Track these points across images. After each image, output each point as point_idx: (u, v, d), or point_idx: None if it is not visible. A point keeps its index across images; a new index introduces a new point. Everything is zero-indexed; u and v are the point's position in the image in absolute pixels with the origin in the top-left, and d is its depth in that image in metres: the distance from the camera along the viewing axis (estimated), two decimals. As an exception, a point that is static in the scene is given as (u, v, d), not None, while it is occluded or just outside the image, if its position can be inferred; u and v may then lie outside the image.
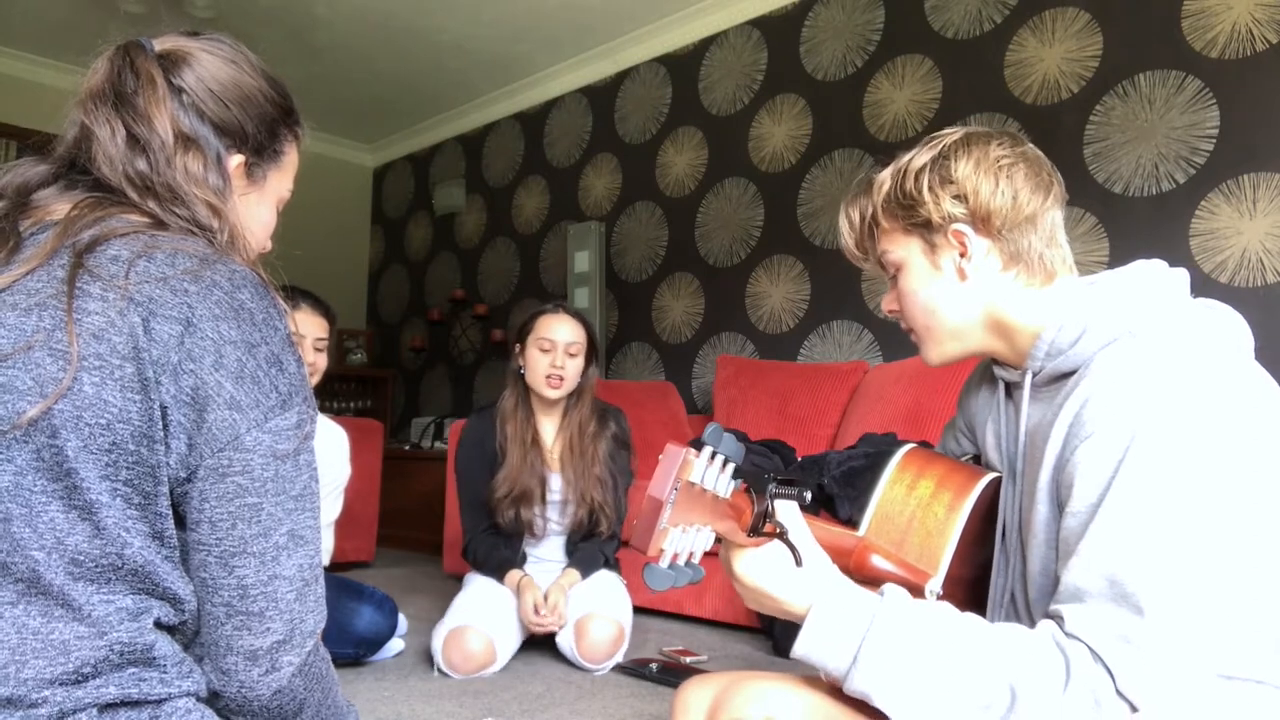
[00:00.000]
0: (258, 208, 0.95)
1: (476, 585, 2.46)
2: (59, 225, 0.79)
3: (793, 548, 0.83)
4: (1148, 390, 0.81)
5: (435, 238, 5.81)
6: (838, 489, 1.93)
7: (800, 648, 0.84)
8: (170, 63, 0.87)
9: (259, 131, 0.91)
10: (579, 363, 2.46)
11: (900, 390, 3.00)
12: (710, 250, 4.18)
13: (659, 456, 0.71)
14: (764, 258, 3.95)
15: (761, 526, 0.81)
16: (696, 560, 0.77)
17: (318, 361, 2.28)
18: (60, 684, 0.72)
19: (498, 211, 5.36)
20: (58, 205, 0.83)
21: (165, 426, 0.75)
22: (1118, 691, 0.75)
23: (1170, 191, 2.81)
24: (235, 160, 0.90)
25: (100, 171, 0.83)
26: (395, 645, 2.46)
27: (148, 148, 0.83)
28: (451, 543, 3.68)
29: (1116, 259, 2.88)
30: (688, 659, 2.45)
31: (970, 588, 1.02)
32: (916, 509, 0.98)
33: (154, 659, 0.76)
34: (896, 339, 3.45)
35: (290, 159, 0.98)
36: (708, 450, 0.74)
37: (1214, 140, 2.72)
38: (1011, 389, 1.03)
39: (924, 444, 1.16)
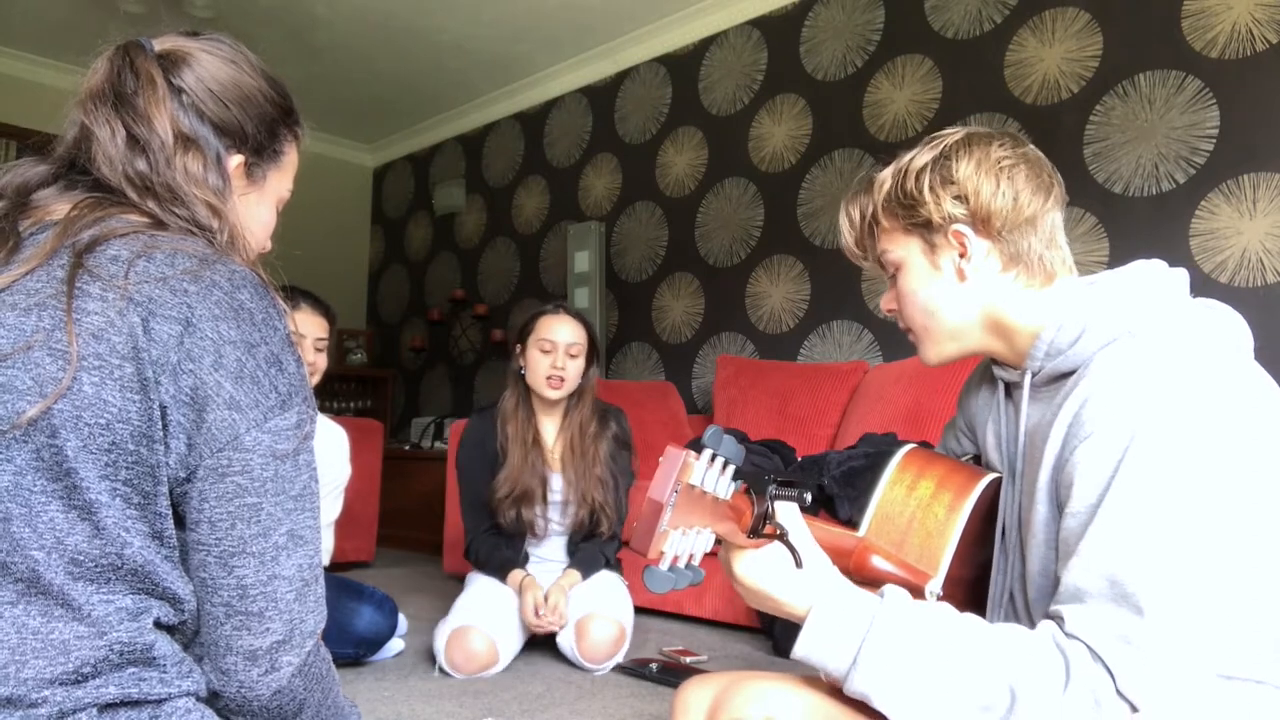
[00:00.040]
0: (257, 208, 0.95)
1: (479, 585, 2.46)
2: (59, 225, 0.79)
3: (793, 549, 0.83)
4: (1147, 390, 0.81)
5: (435, 238, 5.81)
6: (838, 489, 1.93)
7: (800, 649, 0.84)
8: (170, 63, 0.87)
9: (259, 131, 0.91)
10: (580, 363, 2.46)
11: (900, 390, 3.00)
12: (710, 250, 4.18)
13: (659, 459, 0.71)
14: (764, 258, 3.95)
15: (762, 528, 0.81)
16: (697, 562, 0.77)
17: (318, 361, 2.28)
18: (60, 684, 0.72)
19: (498, 211, 5.36)
20: (57, 205, 0.83)
21: (165, 426, 0.75)
22: (1118, 692, 0.75)
23: (1170, 191, 2.81)
24: (235, 160, 0.90)
25: (100, 172, 0.83)
26: (395, 645, 2.46)
27: (147, 148, 0.83)
28: (451, 543, 3.68)
29: (1116, 259, 2.87)
30: (688, 659, 2.45)
31: (970, 588, 1.02)
32: (917, 509, 0.98)
33: (154, 659, 0.76)
34: (896, 339, 3.45)
35: (290, 159, 0.98)
36: (708, 453, 0.74)
37: (1214, 140, 2.72)
38: (1011, 389, 1.03)
39: (924, 444, 1.16)
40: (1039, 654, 0.78)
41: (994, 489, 1.02)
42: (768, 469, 2.84)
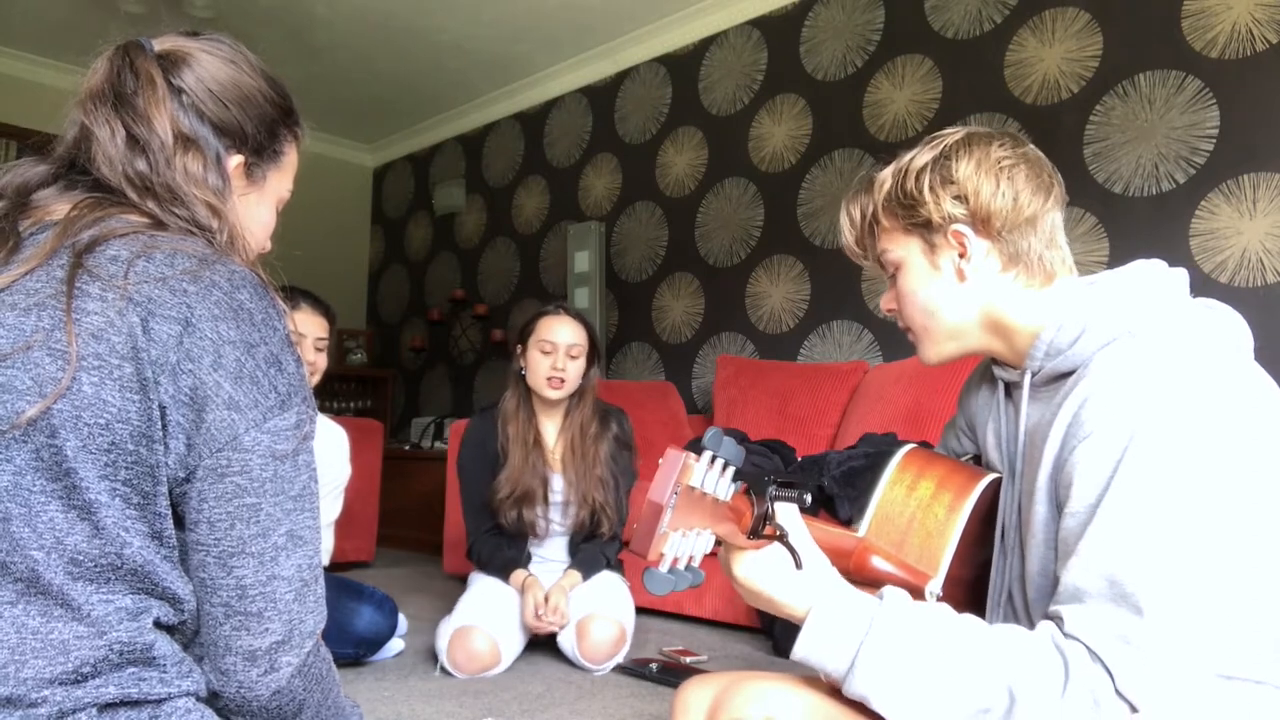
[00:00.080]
0: (257, 208, 0.95)
1: (482, 585, 2.46)
2: (58, 225, 0.79)
3: (793, 550, 0.83)
4: (1146, 390, 0.81)
5: (435, 238, 5.81)
6: (838, 489, 1.92)
7: (799, 650, 0.84)
8: (170, 63, 0.87)
9: (258, 132, 0.91)
10: (580, 364, 2.46)
11: (900, 390, 3.00)
12: (710, 250, 4.18)
13: (659, 461, 0.71)
14: (764, 258, 3.95)
15: (761, 529, 0.81)
16: (696, 564, 0.77)
17: (318, 361, 2.28)
18: (60, 683, 0.72)
19: (498, 211, 5.36)
20: (57, 205, 0.83)
21: (164, 426, 0.75)
22: (1117, 692, 0.75)
23: (1170, 191, 2.81)
24: (235, 160, 0.90)
25: (100, 172, 0.84)
26: (395, 645, 2.46)
27: (147, 148, 0.83)
28: (451, 542, 3.68)
29: (1116, 259, 2.87)
30: (688, 659, 2.45)
31: (970, 588, 1.02)
32: (917, 510, 0.98)
33: (153, 659, 0.76)
34: (896, 339, 3.45)
35: (290, 159, 0.98)
36: (708, 454, 0.74)
37: (1214, 140, 2.72)
38: (1011, 389, 1.03)
39: (924, 444, 1.16)
40: (1038, 655, 0.78)
41: (994, 489, 1.02)
42: (768, 469, 2.84)
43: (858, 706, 0.84)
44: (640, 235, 4.51)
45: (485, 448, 2.50)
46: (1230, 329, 0.90)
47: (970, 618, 0.83)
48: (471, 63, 4.84)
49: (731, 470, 0.77)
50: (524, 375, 2.48)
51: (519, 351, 2.50)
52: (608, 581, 2.48)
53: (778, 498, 0.82)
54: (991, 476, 1.02)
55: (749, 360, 3.78)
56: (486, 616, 2.32)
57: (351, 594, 2.33)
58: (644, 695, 2.13)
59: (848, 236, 1.10)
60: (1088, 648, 0.77)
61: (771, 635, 2.66)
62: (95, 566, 0.74)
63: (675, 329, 4.32)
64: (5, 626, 0.72)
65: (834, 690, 0.86)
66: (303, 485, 0.81)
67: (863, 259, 1.10)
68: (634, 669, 2.33)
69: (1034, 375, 0.97)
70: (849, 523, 1.02)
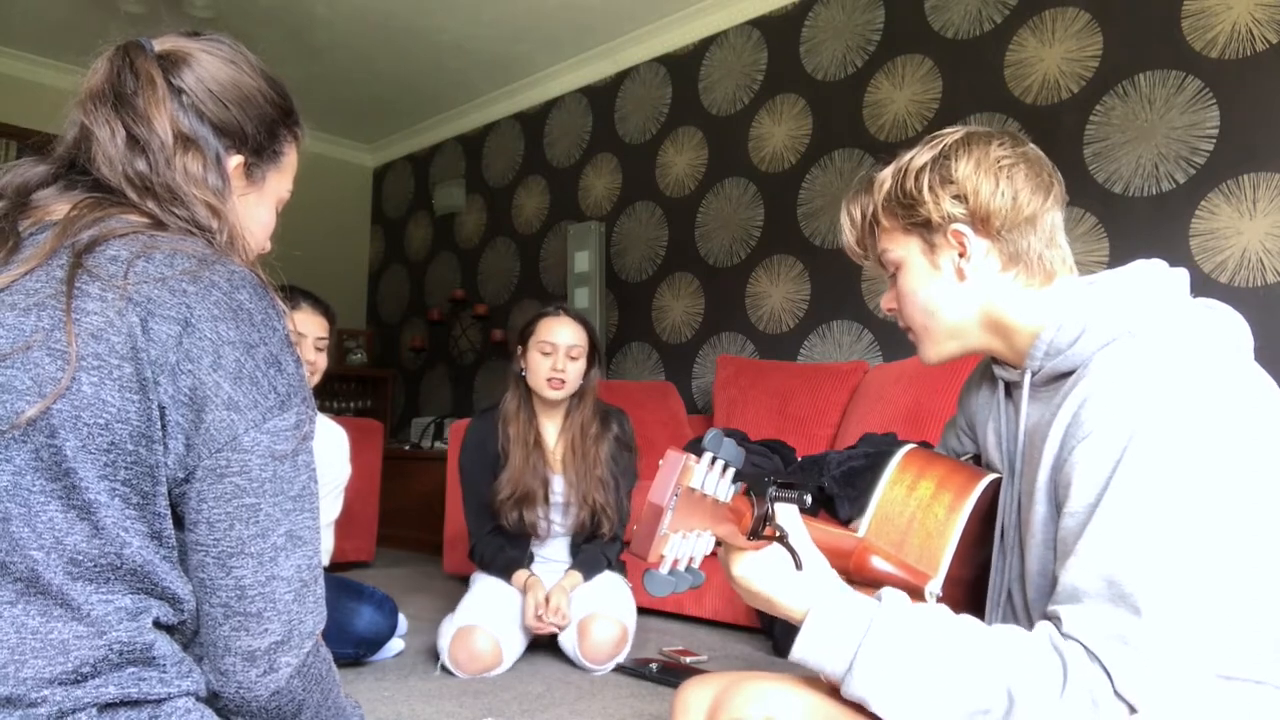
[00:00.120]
0: (257, 208, 0.95)
1: (484, 585, 2.46)
2: (58, 225, 0.79)
3: (793, 551, 0.83)
4: (1146, 390, 0.81)
5: (435, 238, 5.81)
6: (838, 489, 1.93)
7: (797, 651, 0.84)
8: (170, 63, 0.87)
9: (258, 132, 0.91)
10: (580, 365, 2.46)
11: (900, 390, 3.00)
12: (710, 250, 4.18)
13: (659, 462, 0.71)
14: (764, 258, 3.95)
15: (761, 530, 0.81)
16: (697, 565, 0.77)
17: (318, 361, 2.28)
18: (59, 683, 0.72)
19: (498, 211, 5.36)
20: (57, 205, 0.83)
21: (163, 427, 0.75)
22: (1115, 692, 0.75)
23: (1170, 191, 2.81)
24: (234, 161, 0.90)
25: (100, 172, 0.84)
26: (395, 645, 2.46)
27: (147, 148, 0.83)
28: (451, 543, 3.68)
29: (1116, 259, 2.87)
30: (688, 659, 2.45)
31: (970, 588, 1.02)
32: (917, 510, 0.98)
33: (153, 658, 0.76)
34: (896, 339, 3.45)
35: (290, 160, 0.98)
36: (708, 456, 0.74)
37: (1214, 140, 2.72)
38: (1011, 388, 1.03)
39: (924, 444, 1.16)
40: (1036, 656, 0.78)
41: (994, 489, 1.02)
42: (768, 470, 2.84)
43: (858, 707, 0.84)
44: (640, 235, 4.51)
45: (486, 449, 2.50)
46: (1230, 329, 0.90)
47: (968, 619, 0.83)
48: (471, 63, 4.84)
49: (731, 471, 0.77)
50: (524, 376, 2.48)
51: (519, 353, 2.50)
52: (609, 582, 2.48)
53: (778, 498, 0.82)
54: (991, 476, 1.02)
55: (749, 360, 3.78)
56: (489, 616, 2.32)
57: (351, 594, 2.33)
58: (644, 695, 2.13)
59: (848, 236, 1.10)
60: (1086, 648, 0.77)
61: (771, 635, 2.66)
62: (95, 566, 0.74)
63: (675, 329, 4.32)
64: (5, 626, 0.72)
65: (834, 690, 0.86)
66: (302, 485, 0.81)
67: (863, 259, 1.10)
68: (634, 669, 2.33)
69: (1034, 375, 0.97)
70: (849, 523, 1.02)
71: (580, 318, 2.51)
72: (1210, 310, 0.91)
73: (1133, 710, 0.75)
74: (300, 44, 4.61)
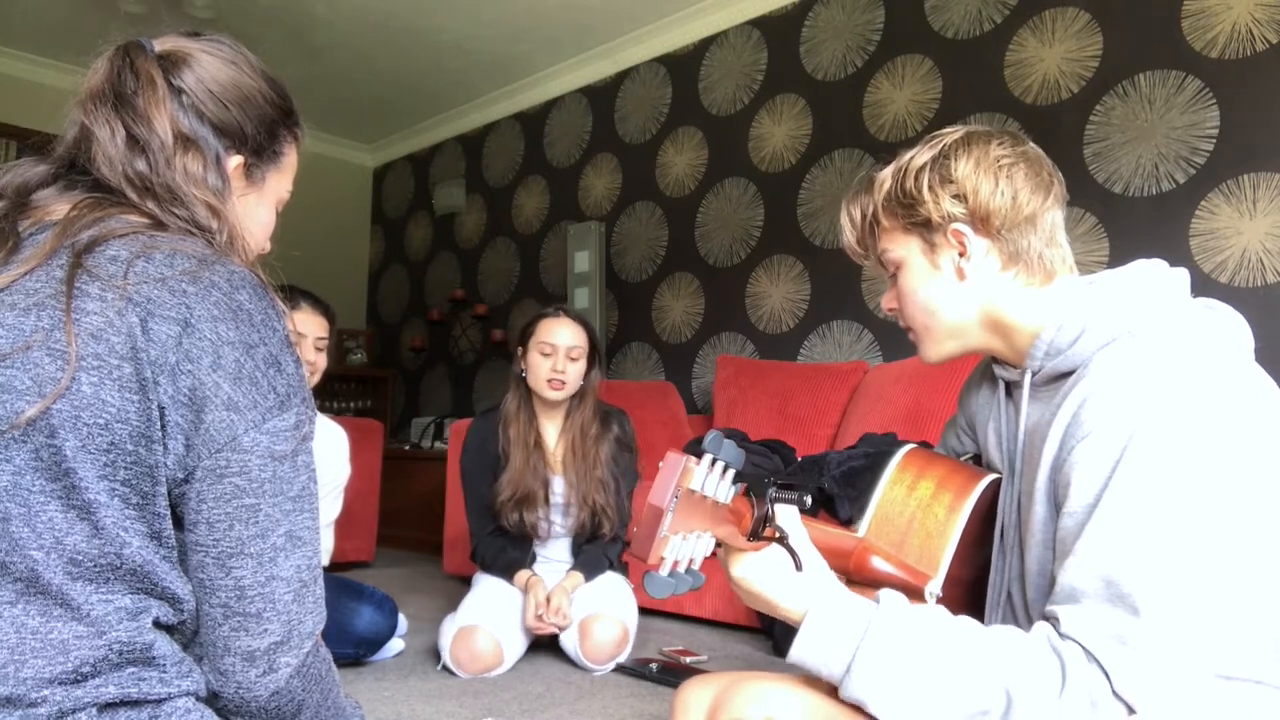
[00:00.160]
0: (257, 209, 0.95)
1: (486, 585, 2.47)
2: (58, 225, 0.79)
3: (793, 552, 0.83)
4: (1146, 390, 0.81)
5: (435, 238, 5.81)
6: (838, 489, 1.92)
7: (795, 652, 0.84)
8: (170, 63, 0.87)
9: (258, 132, 0.91)
10: (580, 366, 2.46)
11: (900, 390, 3.00)
12: (710, 250, 4.18)
13: (659, 464, 0.71)
14: (764, 258, 3.95)
15: (761, 531, 0.81)
16: (697, 566, 0.77)
17: (318, 361, 2.28)
18: (59, 683, 0.72)
19: (498, 211, 5.36)
20: (57, 205, 0.83)
21: (163, 427, 0.75)
22: (1114, 693, 0.75)
23: (1170, 191, 2.81)
24: (234, 161, 0.90)
25: (100, 172, 0.84)
26: (395, 645, 2.46)
27: (147, 148, 0.83)
28: (451, 543, 3.68)
29: (1116, 259, 2.87)
30: (688, 659, 2.45)
31: (970, 588, 1.02)
32: (917, 510, 0.98)
33: (153, 658, 0.76)
34: (896, 339, 3.45)
35: (289, 160, 0.98)
36: (708, 457, 0.74)
37: (1214, 140, 2.72)
38: (1011, 388, 1.03)
39: (924, 444, 1.16)
40: (1034, 657, 0.78)
41: (994, 489, 1.02)
42: (768, 470, 2.84)
43: (858, 707, 0.84)
44: (640, 235, 4.51)
45: (486, 450, 2.50)
46: (1230, 329, 0.90)
47: (966, 620, 0.83)
48: (471, 63, 4.84)
49: (731, 473, 0.77)
50: (524, 377, 2.48)
51: (519, 354, 2.50)
52: (611, 582, 2.48)
53: (778, 499, 0.82)
54: (991, 477, 1.02)
55: (749, 360, 3.78)
56: (490, 616, 2.32)
57: (351, 594, 2.33)
58: (644, 695, 2.13)
59: (848, 236, 1.10)
60: (1084, 648, 0.77)
61: (771, 635, 2.66)
62: (94, 566, 0.74)
63: (675, 329, 4.32)
64: (5, 626, 0.72)
65: (834, 690, 0.86)
66: (301, 486, 0.81)
67: (863, 259, 1.10)
68: (634, 669, 2.33)
69: (1034, 375, 0.97)
70: (849, 523, 1.02)
71: (580, 318, 2.51)
72: (1210, 310, 0.91)
73: (1131, 711, 0.75)
74: (300, 44, 4.61)
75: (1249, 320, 0.93)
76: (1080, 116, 3.02)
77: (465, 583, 2.59)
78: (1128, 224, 2.89)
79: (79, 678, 0.72)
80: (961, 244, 0.97)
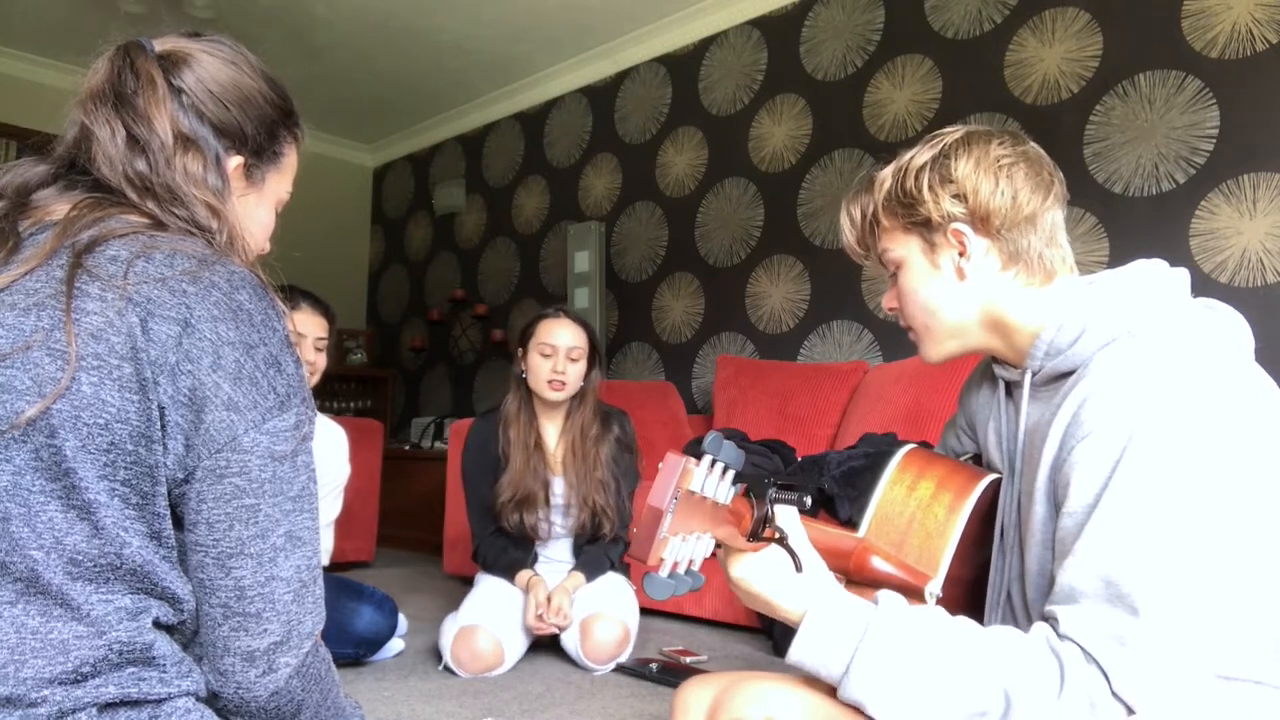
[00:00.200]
0: (256, 209, 0.95)
1: (487, 585, 2.47)
2: (58, 225, 0.79)
3: (793, 553, 0.83)
4: (1146, 390, 0.81)
5: (435, 238, 5.81)
6: (838, 489, 1.92)
7: (794, 654, 0.84)
8: (170, 63, 0.87)
9: (258, 133, 0.91)
10: (580, 367, 2.46)
11: (900, 390, 3.00)
12: (710, 250, 4.18)
13: (659, 465, 0.71)
14: (764, 258, 3.95)
15: (761, 531, 0.81)
16: (696, 568, 0.77)
17: (318, 361, 2.28)
18: (59, 683, 0.72)
19: (498, 211, 5.36)
20: (57, 205, 0.83)
21: (163, 427, 0.75)
22: (1113, 693, 0.75)
23: (1170, 191, 2.81)
24: (234, 161, 0.90)
25: (100, 172, 0.84)
26: (395, 645, 2.46)
27: (147, 148, 0.83)
28: (452, 543, 3.68)
29: (1116, 259, 2.87)
30: (688, 659, 2.45)
31: (970, 588, 1.02)
32: (917, 510, 0.98)
33: (153, 658, 0.76)
34: (896, 339, 3.45)
35: (289, 161, 0.98)
36: (708, 458, 0.74)
37: (1214, 140, 2.72)
38: (1012, 388, 1.03)
39: (924, 444, 1.16)
40: (1033, 657, 0.78)
41: (994, 489, 1.02)
42: (768, 470, 2.84)
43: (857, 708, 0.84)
44: (640, 235, 4.51)
45: (487, 451, 2.51)
46: (1230, 329, 0.90)
47: (965, 621, 0.83)
48: (471, 63, 4.84)
49: (731, 474, 0.77)
50: (525, 378, 2.48)
51: (519, 355, 2.50)
52: (612, 582, 2.48)
53: (777, 500, 0.82)
54: (991, 477, 1.02)
55: (749, 360, 3.78)
56: (491, 616, 2.32)
57: (351, 594, 2.33)
58: (644, 695, 2.13)
59: (849, 236, 1.10)
60: (1083, 649, 0.77)
61: (771, 635, 2.66)
62: (94, 566, 0.74)
63: (675, 329, 4.32)
64: (5, 626, 0.72)
65: (834, 691, 0.86)
66: (301, 486, 0.81)
67: (864, 258, 1.10)
68: (634, 669, 2.33)
69: (1034, 375, 0.97)
70: (849, 523, 1.02)
71: (580, 319, 2.51)
72: (1210, 310, 0.91)
73: (1130, 711, 0.75)
74: (300, 44, 4.61)
75: (1249, 320, 0.93)
76: (1080, 116, 3.02)
77: (465, 583, 2.59)
78: (1128, 224, 2.89)
79: (79, 678, 0.72)
80: (961, 244, 0.97)
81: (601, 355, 2.57)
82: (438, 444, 4.94)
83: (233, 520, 0.76)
